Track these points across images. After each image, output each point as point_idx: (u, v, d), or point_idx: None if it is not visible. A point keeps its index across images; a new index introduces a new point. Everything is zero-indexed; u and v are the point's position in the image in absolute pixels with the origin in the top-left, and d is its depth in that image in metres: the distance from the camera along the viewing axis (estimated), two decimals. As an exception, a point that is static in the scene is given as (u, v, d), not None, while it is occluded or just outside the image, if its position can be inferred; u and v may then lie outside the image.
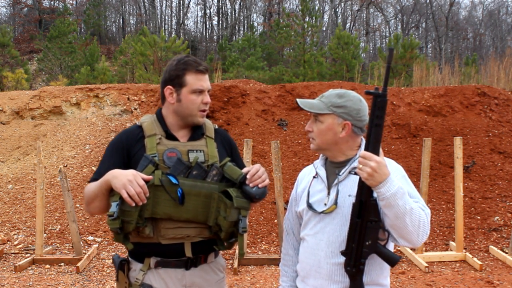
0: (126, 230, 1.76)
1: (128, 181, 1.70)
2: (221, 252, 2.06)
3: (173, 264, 1.88)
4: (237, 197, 1.79)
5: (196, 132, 1.98)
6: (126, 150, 1.90)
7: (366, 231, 1.63)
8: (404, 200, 1.56)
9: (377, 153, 1.58)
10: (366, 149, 1.60)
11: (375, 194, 1.60)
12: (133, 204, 1.70)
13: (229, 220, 1.78)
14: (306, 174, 1.96)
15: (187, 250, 1.87)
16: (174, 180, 1.78)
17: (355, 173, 1.64)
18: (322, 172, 1.84)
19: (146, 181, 1.74)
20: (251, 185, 1.80)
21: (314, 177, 1.88)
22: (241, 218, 1.80)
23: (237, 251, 5.51)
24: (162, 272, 1.88)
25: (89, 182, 1.92)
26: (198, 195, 1.81)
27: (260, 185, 1.81)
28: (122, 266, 1.91)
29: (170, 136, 1.94)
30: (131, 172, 1.73)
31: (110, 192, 1.78)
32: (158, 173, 1.78)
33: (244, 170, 1.85)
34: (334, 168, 1.82)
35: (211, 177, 1.84)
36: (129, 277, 1.91)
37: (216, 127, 2.07)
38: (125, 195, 1.69)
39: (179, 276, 1.89)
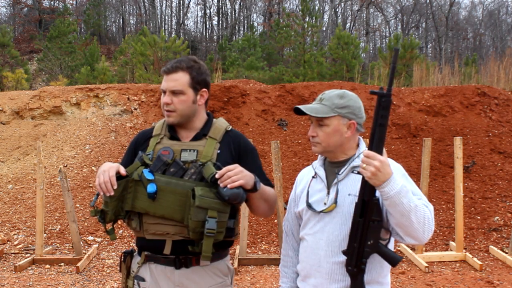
0: (105, 220, 1.87)
1: (102, 171, 1.79)
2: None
3: (162, 261, 1.91)
4: (202, 196, 1.74)
5: (199, 132, 2.01)
6: (134, 149, 2.03)
7: (368, 230, 1.63)
8: (408, 198, 1.56)
9: (380, 153, 1.58)
10: (370, 148, 1.60)
11: (377, 194, 1.61)
12: (102, 193, 1.79)
13: (193, 219, 1.75)
14: (304, 175, 1.97)
15: (166, 248, 1.88)
16: (148, 175, 1.82)
17: (358, 172, 1.64)
18: (321, 172, 1.85)
19: (124, 176, 1.82)
20: (221, 185, 1.75)
21: (313, 177, 1.88)
22: (208, 219, 1.74)
23: (237, 251, 5.52)
24: (153, 267, 1.93)
25: None
26: (173, 192, 1.82)
27: (229, 186, 1.73)
28: (124, 257, 2.00)
29: (173, 137, 1.98)
30: (109, 165, 1.82)
31: None
32: (140, 169, 1.85)
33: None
34: (333, 168, 1.83)
35: (189, 175, 1.84)
36: (130, 268, 2.00)
37: (229, 128, 2.06)
38: (96, 183, 1.80)
39: (168, 273, 1.91)
